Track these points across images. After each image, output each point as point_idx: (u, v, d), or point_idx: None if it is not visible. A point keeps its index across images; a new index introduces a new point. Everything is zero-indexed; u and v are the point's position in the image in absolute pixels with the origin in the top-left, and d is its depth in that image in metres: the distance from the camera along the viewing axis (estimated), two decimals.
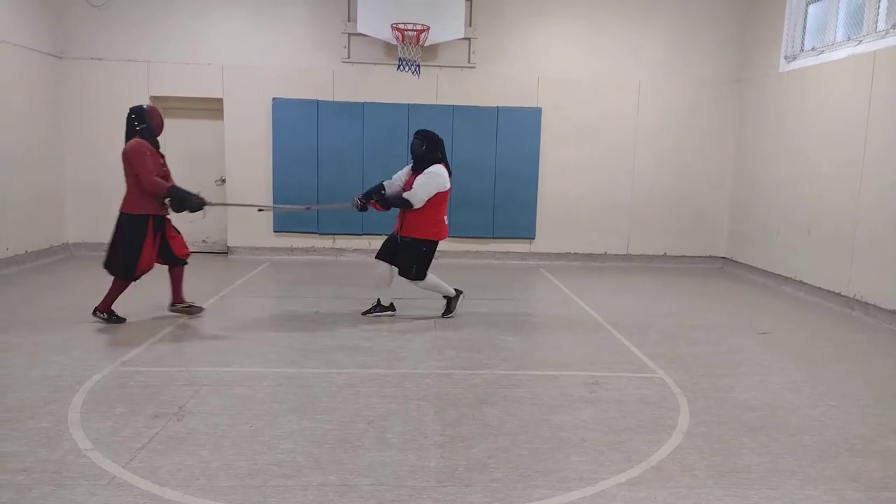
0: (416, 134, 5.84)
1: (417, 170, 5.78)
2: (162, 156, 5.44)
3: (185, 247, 5.62)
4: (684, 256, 9.51)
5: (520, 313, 6.24)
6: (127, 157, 5.22)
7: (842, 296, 6.84)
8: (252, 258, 8.95)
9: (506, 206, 9.19)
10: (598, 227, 9.39)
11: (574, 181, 9.25)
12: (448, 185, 5.74)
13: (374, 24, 8.21)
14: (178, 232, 5.62)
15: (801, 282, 7.57)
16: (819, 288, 7.22)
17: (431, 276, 5.93)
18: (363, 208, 5.81)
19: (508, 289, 7.48)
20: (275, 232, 9.06)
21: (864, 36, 6.85)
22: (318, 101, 8.83)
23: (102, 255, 5.37)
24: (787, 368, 4.78)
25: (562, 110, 9.07)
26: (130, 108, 5.39)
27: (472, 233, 9.24)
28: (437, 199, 5.71)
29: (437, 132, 5.86)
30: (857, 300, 6.62)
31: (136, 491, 2.80)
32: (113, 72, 8.71)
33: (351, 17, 8.70)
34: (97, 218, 8.96)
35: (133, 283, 5.41)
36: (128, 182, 5.31)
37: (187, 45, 8.76)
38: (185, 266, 5.65)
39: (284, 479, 2.93)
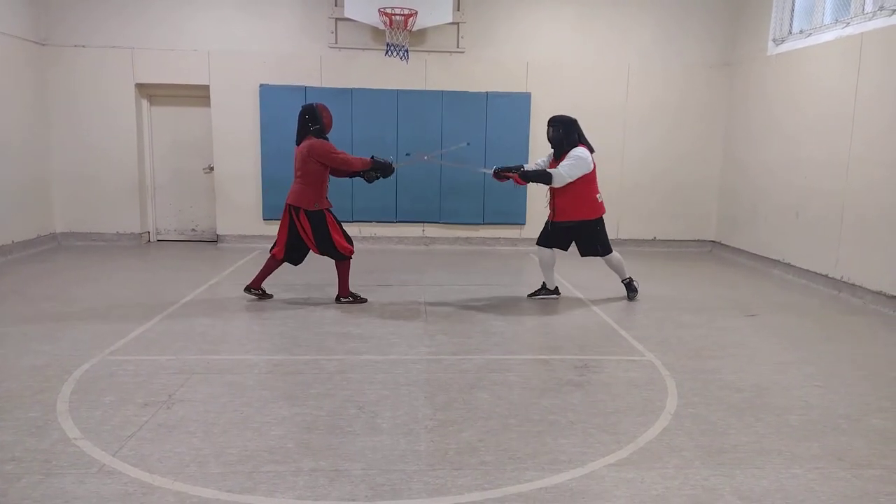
0: (549, 122, 5.98)
1: (559, 156, 5.92)
2: None
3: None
4: (673, 240, 9.54)
5: (510, 298, 6.26)
6: (315, 156, 5.46)
7: (829, 278, 6.90)
8: (241, 246, 8.91)
9: (496, 192, 9.16)
10: None
11: None
12: (592, 166, 5.87)
13: (362, 8, 8.11)
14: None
15: (788, 264, 7.62)
16: (807, 270, 7.27)
17: (617, 255, 6.18)
18: (501, 178, 6.01)
19: (499, 274, 7.50)
20: (264, 220, 9.00)
21: (851, 18, 6.85)
22: (305, 87, 8.76)
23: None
24: (775, 350, 4.83)
25: (551, 95, 9.03)
26: (303, 107, 5.61)
27: (463, 219, 9.24)
28: (586, 180, 5.86)
29: (567, 115, 6.02)
30: (844, 282, 6.67)
31: (125, 479, 2.80)
32: (97, 59, 8.59)
33: (338, 2, 8.60)
34: (85, 207, 8.91)
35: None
36: (301, 177, 5.54)
37: (172, 31, 8.64)
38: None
39: (275, 465, 2.94)
